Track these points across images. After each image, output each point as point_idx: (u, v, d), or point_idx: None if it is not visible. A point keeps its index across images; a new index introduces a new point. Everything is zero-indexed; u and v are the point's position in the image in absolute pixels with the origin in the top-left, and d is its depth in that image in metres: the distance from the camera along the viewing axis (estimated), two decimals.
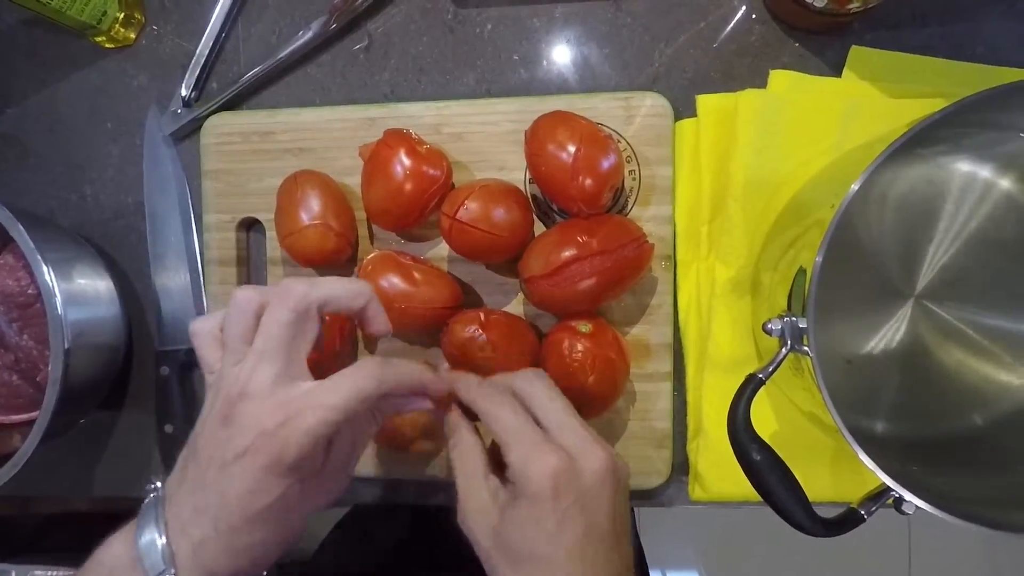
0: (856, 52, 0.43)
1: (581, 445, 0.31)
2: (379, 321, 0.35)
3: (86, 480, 0.53)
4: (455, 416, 0.35)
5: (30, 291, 0.46)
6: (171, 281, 0.51)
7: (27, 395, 0.48)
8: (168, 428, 0.50)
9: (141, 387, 0.52)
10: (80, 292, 0.45)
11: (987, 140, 0.37)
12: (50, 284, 0.42)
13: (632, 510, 0.76)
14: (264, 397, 0.30)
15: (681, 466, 0.46)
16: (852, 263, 0.40)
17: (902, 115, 0.41)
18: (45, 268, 0.43)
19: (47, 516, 0.66)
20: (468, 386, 0.35)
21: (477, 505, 0.32)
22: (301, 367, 0.31)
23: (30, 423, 0.44)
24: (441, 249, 0.47)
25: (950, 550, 1.14)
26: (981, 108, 0.31)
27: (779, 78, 0.43)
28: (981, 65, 0.43)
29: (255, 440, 0.29)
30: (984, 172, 0.39)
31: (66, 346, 0.42)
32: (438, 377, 0.35)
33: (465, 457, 0.33)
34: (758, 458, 0.32)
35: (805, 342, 0.33)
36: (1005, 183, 0.38)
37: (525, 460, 0.30)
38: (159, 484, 0.31)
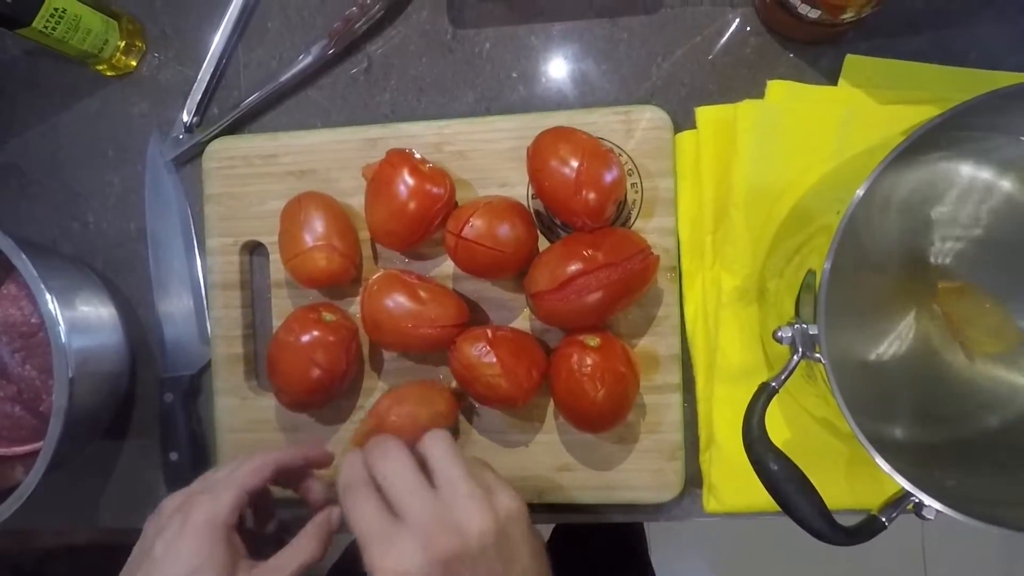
0: (851, 61, 0.44)
1: (423, 538, 0.31)
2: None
3: (89, 511, 0.53)
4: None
5: (33, 320, 0.46)
6: (174, 307, 0.51)
7: (30, 426, 0.47)
8: (173, 456, 0.49)
9: (145, 415, 0.52)
10: (83, 320, 0.45)
11: (986, 143, 0.38)
12: (53, 313, 0.42)
13: (643, 527, 0.75)
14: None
15: (693, 478, 0.46)
16: (857, 268, 0.40)
17: (899, 121, 0.41)
18: (48, 297, 0.42)
19: (46, 551, 0.65)
20: (338, 486, 0.35)
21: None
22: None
23: (33, 455, 0.43)
24: (446, 267, 0.47)
25: (966, 555, 1.13)
26: (981, 112, 0.31)
27: (776, 88, 0.44)
28: (973, 70, 0.43)
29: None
30: (984, 174, 0.39)
31: (70, 375, 0.42)
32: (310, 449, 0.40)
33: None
34: (775, 468, 0.32)
35: (816, 349, 0.33)
36: (1006, 184, 0.39)
37: (371, 559, 0.32)
38: None
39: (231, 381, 0.49)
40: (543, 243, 0.46)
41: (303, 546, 0.36)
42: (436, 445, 0.35)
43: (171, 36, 0.52)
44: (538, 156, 0.41)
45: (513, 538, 0.33)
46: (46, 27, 0.45)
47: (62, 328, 0.42)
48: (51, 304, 0.42)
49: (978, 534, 0.32)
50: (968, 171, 0.39)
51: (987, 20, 0.44)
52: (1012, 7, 0.44)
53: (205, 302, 0.51)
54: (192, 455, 0.50)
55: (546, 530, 0.77)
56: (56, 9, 0.45)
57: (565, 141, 0.41)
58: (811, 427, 0.43)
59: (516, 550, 0.33)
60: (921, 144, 0.32)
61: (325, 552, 0.37)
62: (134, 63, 0.52)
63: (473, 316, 0.46)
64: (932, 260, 0.40)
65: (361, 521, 0.33)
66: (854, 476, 0.43)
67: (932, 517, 0.32)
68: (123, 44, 0.51)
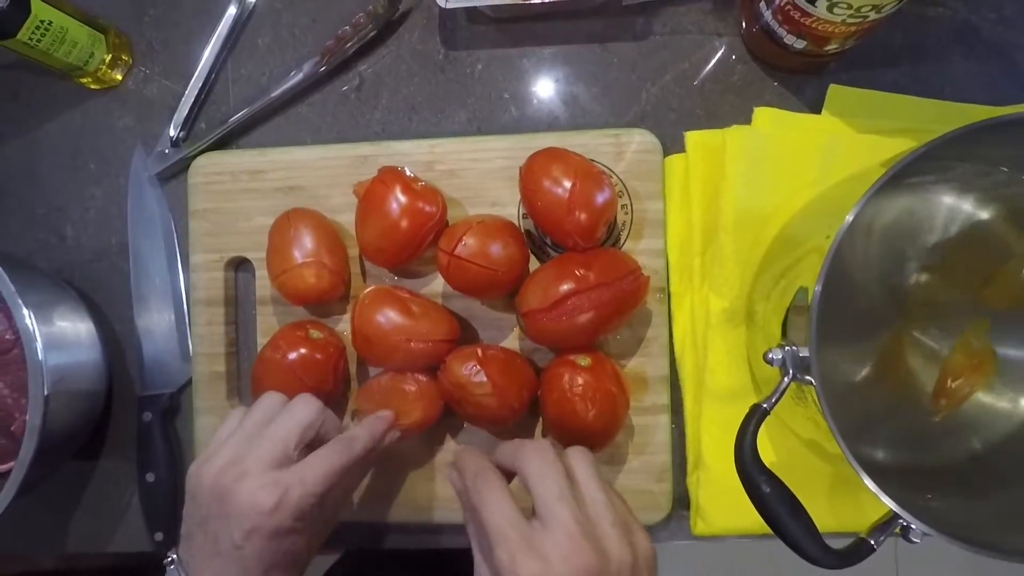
0: (834, 90, 0.45)
1: (561, 550, 0.29)
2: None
3: (59, 535, 0.50)
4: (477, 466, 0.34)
5: (7, 336, 0.44)
6: (154, 323, 0.50)
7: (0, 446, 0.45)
8: (150, 477, 0.48)
9: (121, 434, 0.50)
10: (60, 336, 0.44)
11: (968, 173, 0.39)
12: (30, 328, 0.41)
13: None
14: (259, 475, 0.34)
15: (680, 500, 0.46)
16: (842, 293, 0.40)
17: (879, 150, 0.43)
18: (25, 312, 0.41)
19: None
20: (465, 470, 0.34)
21: None
22: (292, 453, 0.36)
23: (4, 476, 0.41)
24: (435, 285, 0.47)
25: (937, 573, 1.14)
26: (964, 142, 0.32)
27: (763, 115, 0.45)
28: (949, 102, 0.45)
29: (256, 521, 0.34)
30: (965, 204, 0.40)
31: (45, 393, 0.41)
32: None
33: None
34: (768, 490, 0.32)
35: (807, 371, 0.33)
36: (985, 215, 0.40)
37: (501, 566, 0.29)
38: (175, 556, 0.36)
39: (213, 400, 0.48)
40: (534, 263, 0.46)
41: (336, 449, 0.37)
42: (583, 464, 0.33)
43: (159, 50, 0.52)
44: (531, 176, 0.41)
45: None
46: (31, 39, 0.44)
47: (39, 344, 0.41)
48: (28, 319, 0.41)
49: (950, 556, 0.32)
50: (950, 200, 0.40)
51: (960, 57, 0.46)
52: (982, 46, 0.46)
53: (187, 319, 0.50)
54: (170, 476, 0.48)
55: None
56: (42, 21, 0.44)
57: (558, 162, 0.41)
58: (796, 449, 0.43)
59: None
60: (905, 172, 0.33)
61: (354, 458, 0.37)
62: (120, 77, 0.51)
63: (463, 335, 0.45)
64: (912, 286, 0.41)
65: (498, 515, 0.31)
66: (837, 498, 0.43)
67: (919, 540, 0.33)
68: (109, 58, 0.50)
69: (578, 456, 0.34)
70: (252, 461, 0.35)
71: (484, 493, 0.32)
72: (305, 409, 0.38)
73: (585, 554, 0.29)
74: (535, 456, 0.32)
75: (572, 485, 0.32)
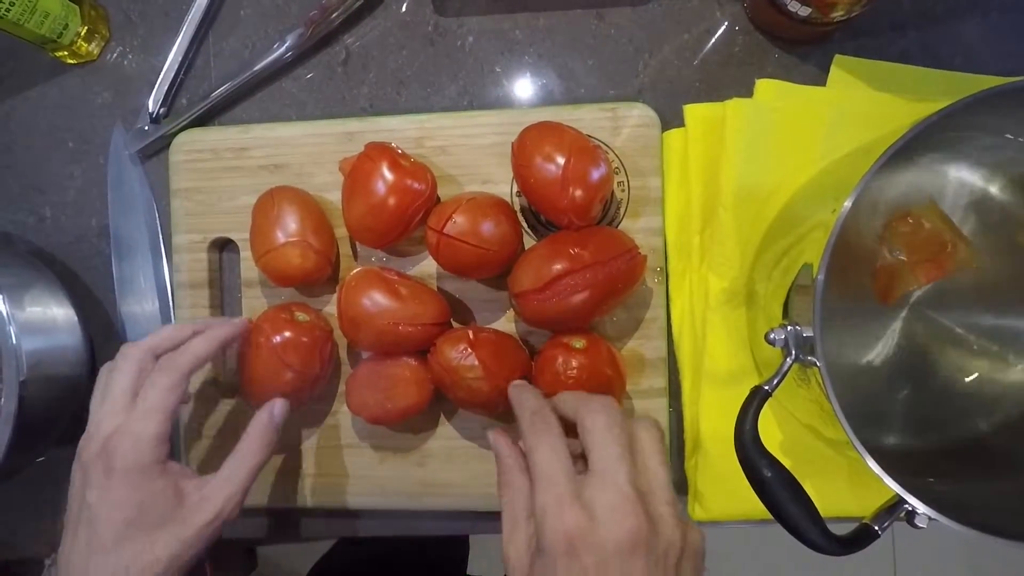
0: (840, 61, 0.43)
1: (612, 507, 0.28)
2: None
3: (44, 522, 0.49)
4: (505, 451, 0.34)
5: None
6: (138, 306, 0.48)
7: None
8: None
9: None
10: (37, 320, 0.42)
11: (978, 146, 0.37)
12: (4, 311, 0.39)
13: None
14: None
15: (678, 485, 0.45)
16: (846, 271, 0.39)
17: (887, 123, 0.41)
18: None
19: None
20: (522, 407, 0.34)
21: (515, 550, 0.30)
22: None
23: None
24: (426, 265, 0.45)
25: (935, 563, 1.14)
26: (974, 112, 0.31)
27: (765, 87, 0.43)
28: (959, 73, 0.43)
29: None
30: (973, 178, 0.39)
31: (21, 378, 0.39)
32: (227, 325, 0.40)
33: (512, 499, 0.32)
34: (769, 475, 0.31)
35: (810, 351, 0.32)
36: (994, 189, 0.39)
37: (544, 511, 0.29)
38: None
39: (198, 385, 0.47)
40: (528, 241, 0.44)
41: (249, 450, 0.37)
42: (650, 437, 0.32)
43: (137, 22, 0.50)
44: (523, 152, 0.40)
45: (685, 573, 0.29)
46: None
47: (13, 328, 0.39)
48: (1, 302, 0.40)
49: (947, 542, 0.31)
50: (956, 174, 0.39)
51: (972, 26, 0.44)
52: (995, 13, 0.44)
53: (171, 302, 0.48)
54: None
55: None
56: None
57: (551, 136, 0.39)
58: (798, 432, 0.42)
59: None
60: (914, 145, 0.31)
61: (272, 452, 0.38)
62: (97, 50, 0.49)
63: (455, 316, 0.44)
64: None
65: (551, 458, 0.30)
66: (839, 483, 0.42)
67: (925, 525, 0.31)
68: (84, 30, 0.48)
69: (646, 426, 0.32)
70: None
71: (541, 433, 0.31)
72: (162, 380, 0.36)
73: (635, 517, 0.28)
74: (602, 412, 0.31)
75: (634, 453, 0.30)
